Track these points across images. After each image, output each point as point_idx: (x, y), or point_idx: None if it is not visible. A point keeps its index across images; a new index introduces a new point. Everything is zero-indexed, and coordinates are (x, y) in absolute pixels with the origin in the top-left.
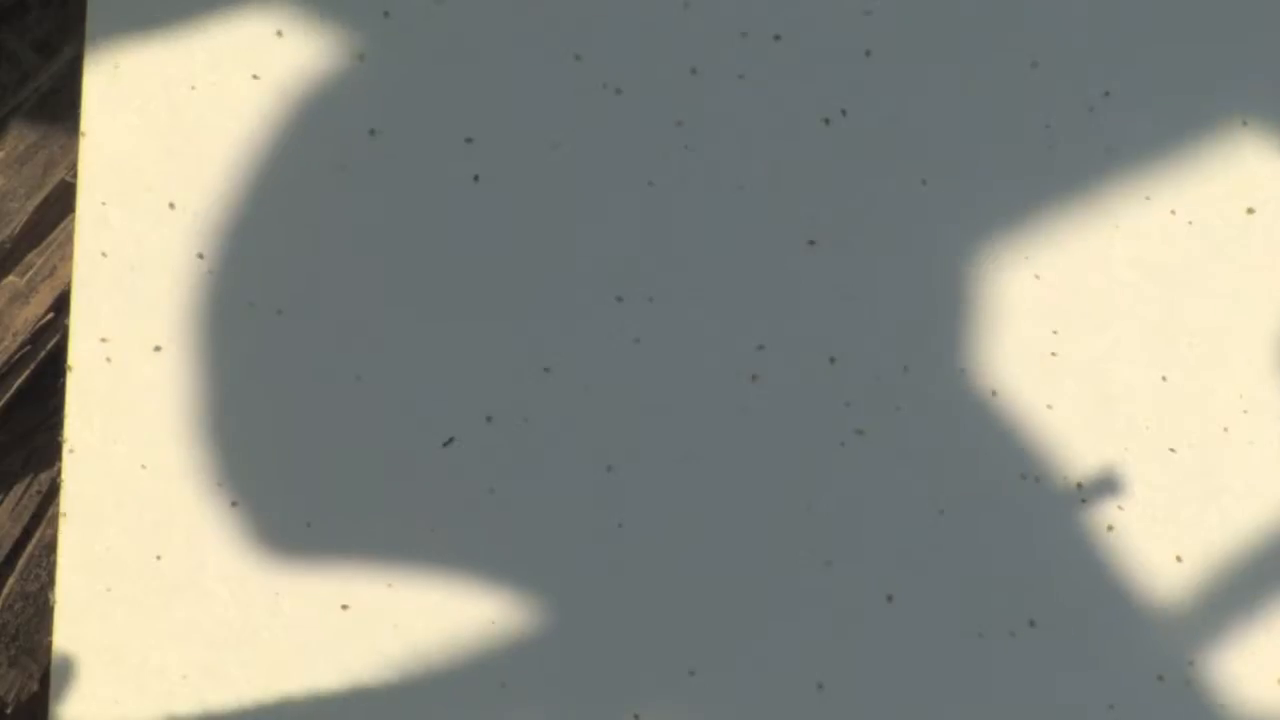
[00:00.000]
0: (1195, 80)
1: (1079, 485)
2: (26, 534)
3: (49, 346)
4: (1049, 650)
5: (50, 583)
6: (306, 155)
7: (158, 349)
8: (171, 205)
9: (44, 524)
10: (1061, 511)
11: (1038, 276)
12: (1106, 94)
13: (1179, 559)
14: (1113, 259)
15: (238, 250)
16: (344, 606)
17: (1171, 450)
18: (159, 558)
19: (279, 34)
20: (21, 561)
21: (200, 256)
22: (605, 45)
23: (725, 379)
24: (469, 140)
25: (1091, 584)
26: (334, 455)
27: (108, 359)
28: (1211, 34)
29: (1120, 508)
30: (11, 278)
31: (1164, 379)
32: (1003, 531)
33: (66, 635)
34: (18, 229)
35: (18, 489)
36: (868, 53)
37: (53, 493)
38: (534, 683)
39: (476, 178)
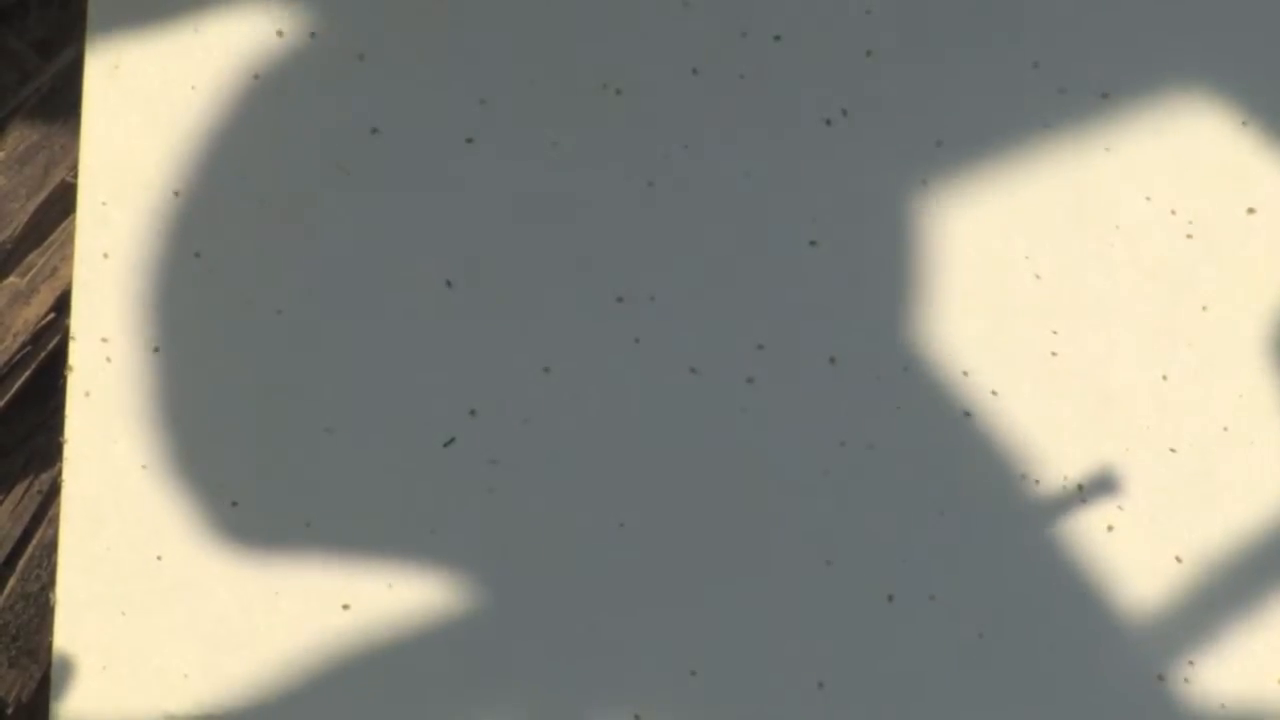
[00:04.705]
0: (1195, 80)
1: (1079, 485)
2: (26, 534)
3: (49, 346)
4: (1049, 650)
5: (50, 583)
6: (306, 155)
7: (157, 349)
8: (171, 205)
9: (44, 524)
10: (1061, 511)
11: (1038, 276)
12: (1106, 94)
13: (1179, 559)
14: (1113, 259)
15: (238, 250)
16: (344, 606)
17: (1171, 450)
18: (159, 558)
19: (279, 34)
20: (21, 562)
21: (199, 256)
22: (605, 45)
23: (725, 379)
24: (469, 140)
25: (1091, 584)
26: (334, 455)
27: (108, 359)
28: (1211, 34)
29: (1120, 508)
30: (12, 278)
31: (1164, 379)
32: (1003, 531)
33: (66, 635)
34: (18, 229)
35: (18, 489)
36: (868, 53)
37: (53, 493)
38: (534, 683)
39: (477, 179)
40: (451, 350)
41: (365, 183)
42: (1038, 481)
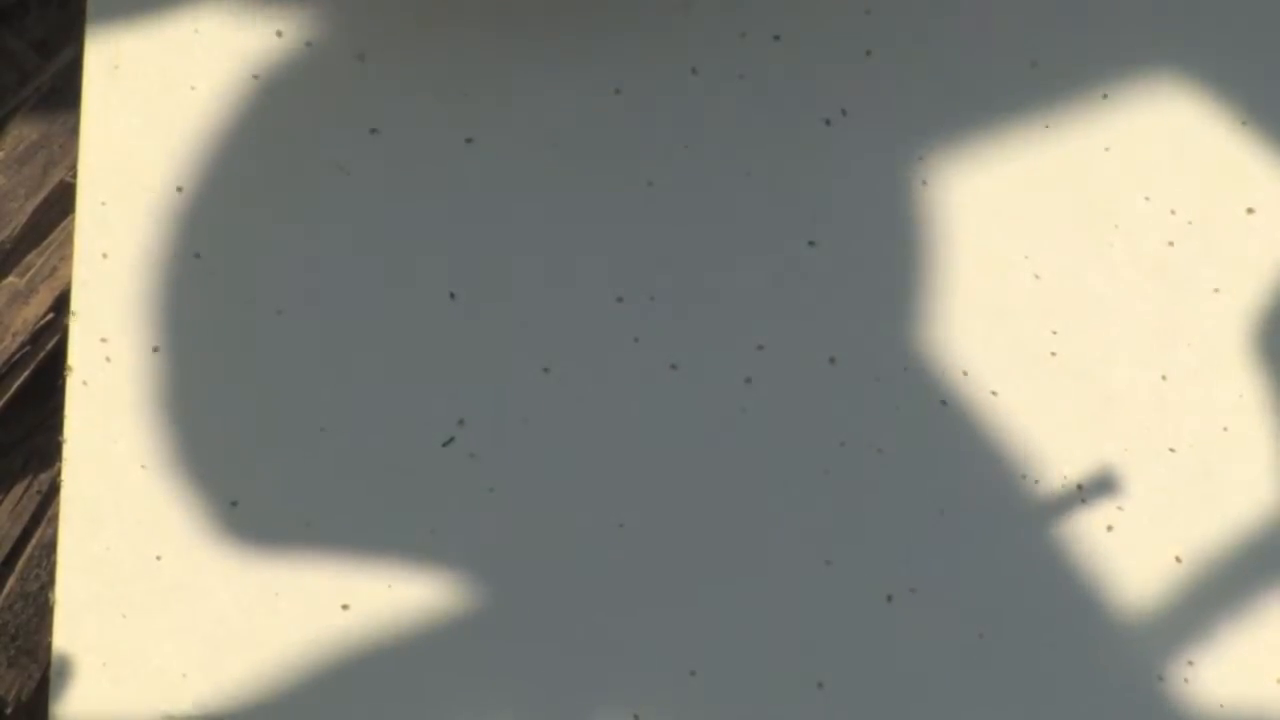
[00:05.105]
0: (1195, 80)
1: (1079, 485)
2: (26, 534)
3: (49, 346)
4: (1049, 650)
5: (50, 583)
6: (306, 155)
7: (157, 349)
8: (171, 205)
9: (44, 524)
10: (1061, 511)
11: (1038, 276)
12: (1106, 95)
13: (1179, 559)
14: (1113, 259)
15: (238, 250)
16: (344, 606)
17: (1171, 450)
18: (159, 558)
19: (279, 34)
20: (21, 562)
21: (199, 256)
22: (605, 45)
23: (725, 379)
24: (469, 140)
25: (1091, 584)
26: (334, 455)
27: (108, 359)
28: (1211, 34)
29: (1120, 508)
30: (11, 278)
31: (1164, 379)
32: (1003, 531)
33: (66, 635)
34: (18, 229)
35: (18, 489)
36: (868, 53)
37: (53, 493)
38: (534, 683)
39: (477, 179)
40: (451, 350)
41: (365, 183)
42: (1038, 481)
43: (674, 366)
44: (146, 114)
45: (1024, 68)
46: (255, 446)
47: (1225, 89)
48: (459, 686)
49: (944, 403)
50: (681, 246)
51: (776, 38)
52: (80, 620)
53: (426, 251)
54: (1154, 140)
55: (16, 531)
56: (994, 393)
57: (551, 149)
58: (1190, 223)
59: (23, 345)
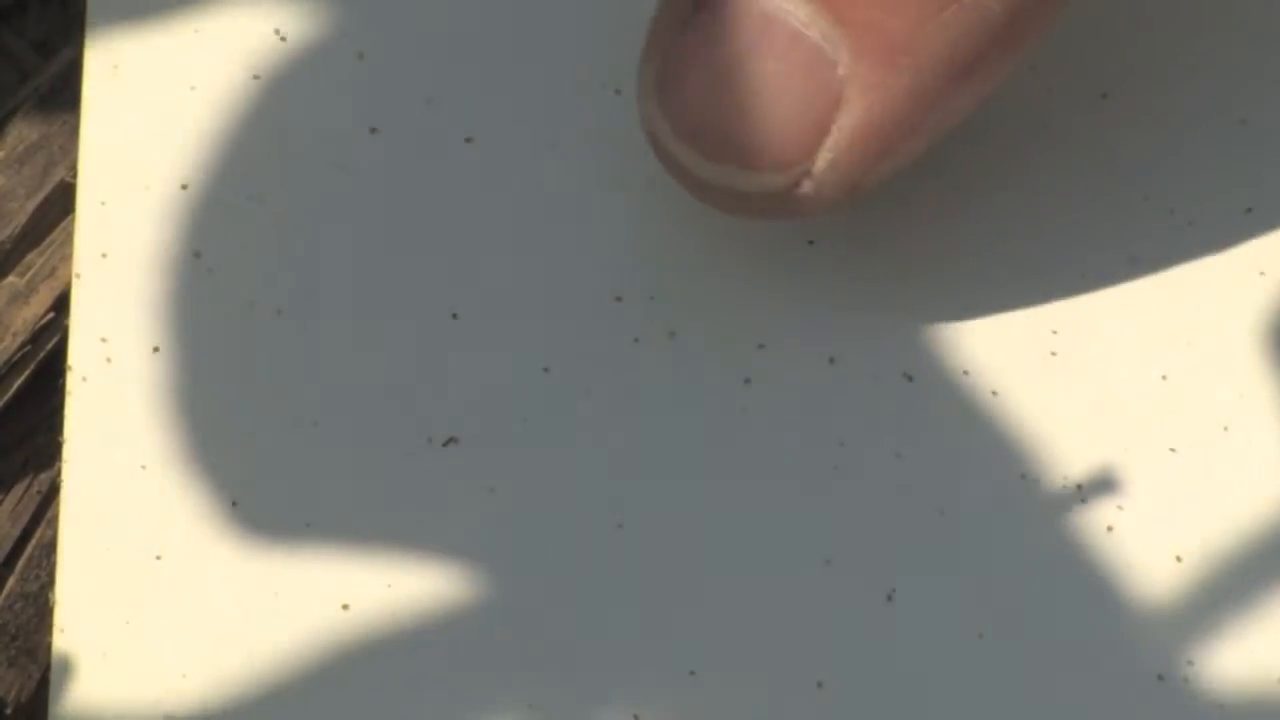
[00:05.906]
0: (1195, 80)
1: (1079, 485)
2: (26, 534)
3: (49, 346)
4: (1048, 650)
5: (50, 583)
6: (306, 155)
7: (157, 349)
8: (171, 205)
9: (44, 524)
10: (1061, 511)
11: (1037, 276)
12: (1105, 95)
13: (1179, 559)
14: (1113, 259)
15: (237, 250)
16: (344, 606)
17: (1171, 450)
18: (159, 558)
19: (279, 34)
20: (21, 562)
21: (199, 256)
22: (605, 45)
23: (724, 379)
24: (469, 140)
25: (1091, 584)
26: (334, 455)
27: (108, 359)
28: (1212, 34)
29: (1120, 508)
30: (11, 278)
31: (1164, 379)
32: (1003, 531)
33: (66, 635)
34: (17, 229)
35: (18, 489)
36: None
37: (53, 493)
38: (534, 683)
39: (476, 179)
40: (451, 350)
41: (365, 183)
42: (1038, 481)
43: (673, 366)
44: (146, 114)
45: (1023, 68)
46: (255, 446)
47: (1226, 89)
48: (459, 686)
49: (944, 402)
50: (681, 246)
51: None
52: (80, 620)
53: (426, 252)
54: (1154, 140)
55: (16, 532)
56: (994, 393)
57: (551, 149)
58: (1190, 223)
59: (23, 345)
